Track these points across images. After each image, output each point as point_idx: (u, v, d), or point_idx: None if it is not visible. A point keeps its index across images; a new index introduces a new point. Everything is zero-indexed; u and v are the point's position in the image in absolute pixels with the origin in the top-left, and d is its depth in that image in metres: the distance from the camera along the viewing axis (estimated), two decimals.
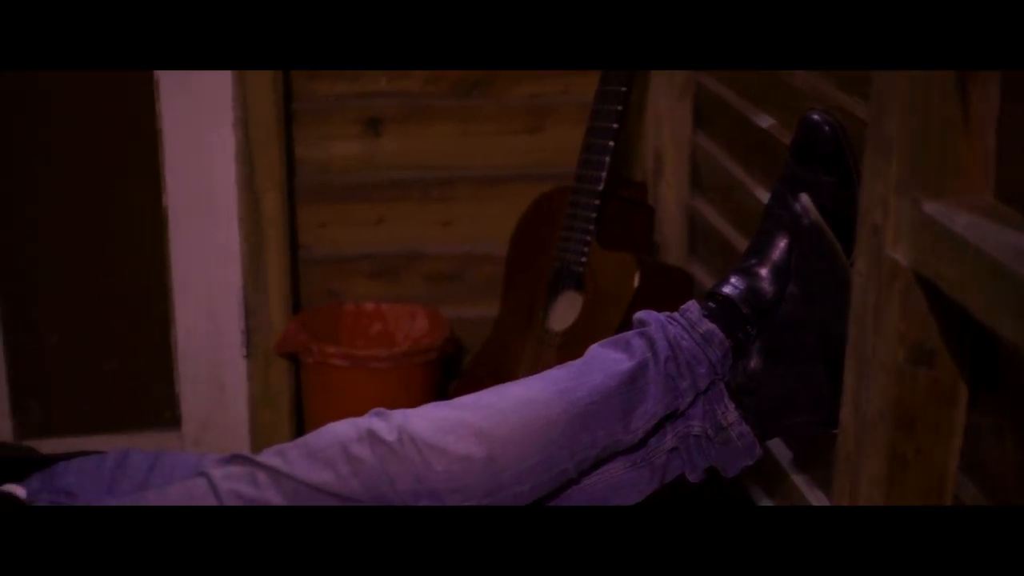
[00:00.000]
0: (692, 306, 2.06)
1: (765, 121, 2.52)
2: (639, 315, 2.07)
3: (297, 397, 3.37)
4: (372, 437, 1.84)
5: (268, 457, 1.85)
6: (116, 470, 2.06)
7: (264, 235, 3.24)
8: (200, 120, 3.22)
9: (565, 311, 2.88)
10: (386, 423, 1.86)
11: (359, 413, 1.93)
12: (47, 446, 2.22)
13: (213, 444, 3.38)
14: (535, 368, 2.77)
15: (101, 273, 3.38)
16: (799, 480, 2.26)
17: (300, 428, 3.37)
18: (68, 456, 2.11)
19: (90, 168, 3.31)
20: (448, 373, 3.35)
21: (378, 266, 3.39)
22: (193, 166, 3.25)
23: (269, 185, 3.21)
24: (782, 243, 2.04)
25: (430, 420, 1.88)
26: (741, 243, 2.59)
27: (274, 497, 1.81)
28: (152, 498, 1.84)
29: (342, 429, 1.87)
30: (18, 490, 1.96)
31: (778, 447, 2.33)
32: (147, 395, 3.46)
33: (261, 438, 3.36)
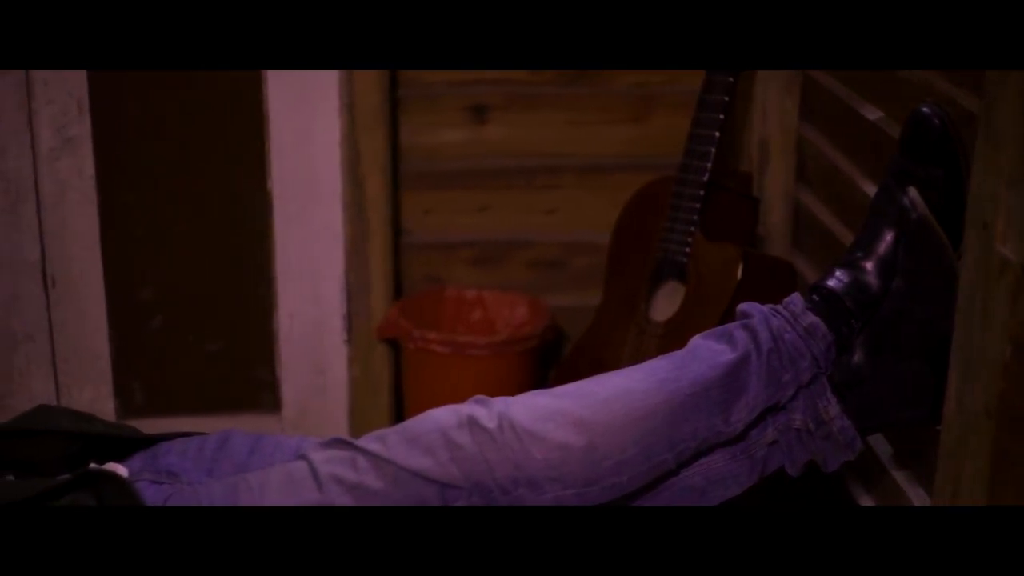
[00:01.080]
0: (796, 299, 2.05)
1: (873, 113, 2.49)
2: (742, 307, 2.05)
3: (397, 383, 3.38)
4: (472, 424, 1.85)
5: (368, 442, 1.86)
6: (217, 451, 2.08)
7: (367, 220, 3.25)
8: (306, 105, 3.23)
9: (667, 301, 2.87)
10: (487, 410, 1.87)
11: (458, 400, 1.93)
12: (149, 426, 2.24)
13: (312, 428, 3.39)
14: (636, 358, 2.76)
15: (206, 256, 3.40)
16: (899, 476, 2.24)
17: (399, 414, 3.38)
18: (170, 436, 2.13)
19: (197, 151, 3.33)
20: (548, 361, 3.35)
21: (480, 253, 3.39)
22: (298, 151, 3.27)
23: (373, 170, 3.22)
24: (888, 237, 2.02)
25: (530, 408, 1.88)
26: (845, 236, 2.57)
27: (373, 482, 1.82)
28: (252, 480, 1.85)
29: (443, 415, 1.87)
30: (120, 469, 1.98)
31: (879, 443, 2.31)
32: (248, 378, 3.48)
33: (360, 423, 3.37)
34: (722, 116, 2.81)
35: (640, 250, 2.93)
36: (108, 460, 2.06)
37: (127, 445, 2.12)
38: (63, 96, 3.23)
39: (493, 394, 1.93)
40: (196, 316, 3.44)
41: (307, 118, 3.23)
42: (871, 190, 2.11)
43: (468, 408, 1.88)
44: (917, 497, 2.16)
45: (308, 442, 2.02)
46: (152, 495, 1.87)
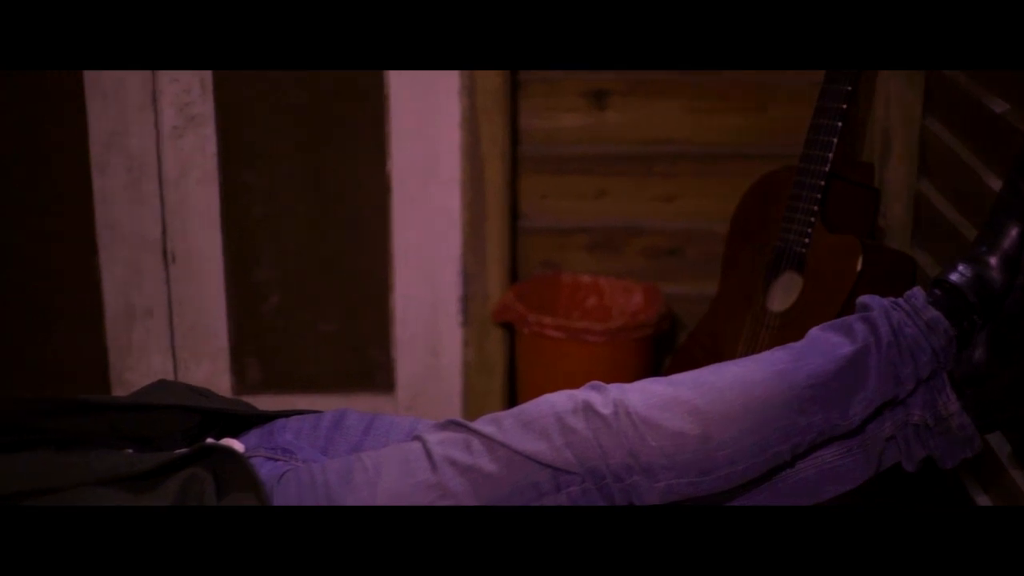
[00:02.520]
0: (917, 292, 2.02)
1: (999, 106, 2.45)
2: (862, 299, 2.03)
3: (510, 367, 3.39)
4: (588, 409, 1.84)
5: (483, 424, 1.86)
6: (332, 430, 2.09)
7: (485, 204, 3.25)
8: (427, 88, 3.24)
9: (785, 292, 2.84)
10: (602, 396, 1.86)
11: (572, 385, 1.92)
12: (263, 403, 2.26)
13: (425, 410, 3.41)
14: (753, 348, 2.74)
15: (324, 236, 3.43)
16: (1018, 475, 2.20)
17: (512, 398, 3.38)
18: (286, 414, 2.15)
19: (317, 132, 3.35)
20: (662, 349, 3.34)
21: (597, 239, 3.39)
22: (418, 133, 3.28)
23: (493, 154, 3.22)
24: (1014, 232, 1.99)
25: (646, 395, 1.87)
26: (968, 231, 2.53)
27: (487, 465, 1.82)
28: (367, 460, 1.86)
29: (558, 400, 1.87)
30: (236, 444, 1.99)
31: (998, 440, 2.28)
32: (363, 358, 3.50)
33: (473, 406, 3.38)
34: (845, 106, 2.78)
35: (758, 240, 2.91)
36: (224, 436, 2.08)
37: (243, 421, 2.14)
38: (187, 75, 3.26)
39: (607, 381, 1.93)
40: (313, 296, 3.46)
41: (428, 101, 3.24)
42: (996, 184, 2.07)
43: (583, 393, 1.88)
44: None
45: (423, 423, 2.02)
46: (267, 471, 1.89)
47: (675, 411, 1.86)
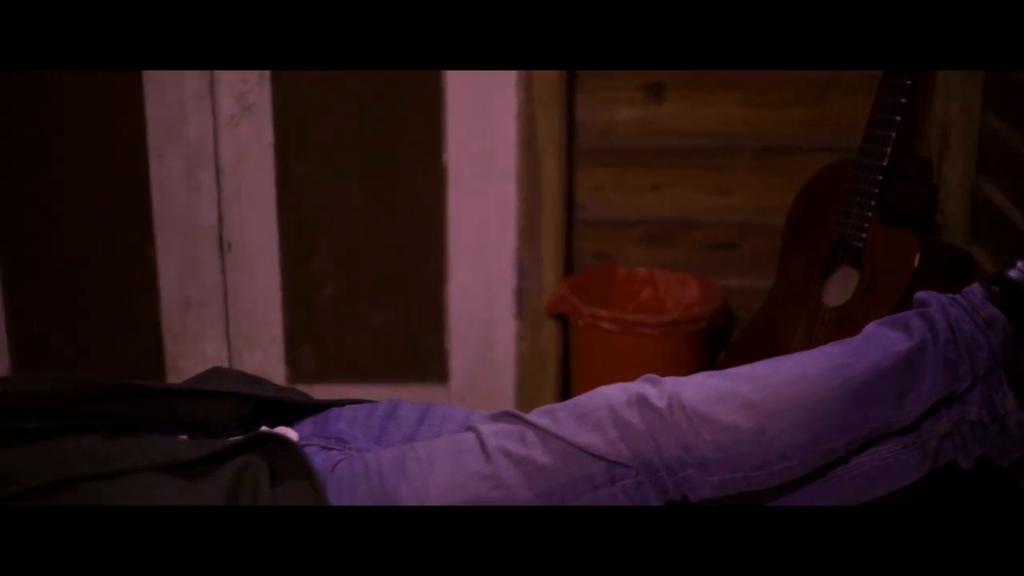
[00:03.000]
0: (975, 289, 2.00)
1: None
2: (920, 295, 2.02)
3: (564, 359, 3.39)
4: (642, 402, 1.84)
5: (537, 416, 1.86)
6: (386, 419, 2.09)
7: (541, 196, 3.25)
8: (483, 79, 3.24)
9: (841, 287, 2.83)
10: (657, 389, 1.86)
11: (626, 378, 1.92)
12: (317, 392, 2.26)
13: (479, 401, 3.41)
14: (808, 343, 2.73)
15: (379, 226, 3.43)
16: None
17: (566, 390, 3.38)
18: (340, 403, 2.15)
19: (374, 122, 3.36)
20: (717, 343, 3.33)
21: (652, 232, 3.38)
22: (474, 124, 3.28)
23: (549, 146, 3.22)
24: None
25: (701, 389, 1.87)
26: None
27: (541, 456, 1.82)
28: (421, 450, 1.86)
29: (613, 393, 1.87)
30: (291, 433, 2.00)
31: None
32: (417, 349, 3.50)
33: (527, 397, 3.38)
34: (903, 100, 2.76)
35: (815, 234, 2.90)
36: (279, 424, 2.09)
37: (297, 410, 2.14)
38: None
39: (661, 374, 1.92)
40: (368, 286, 3.47)
41: (484, 92, 3.24)
42: None
43: (638, 386, 1.87)
44: None
45: (477, 414, 2.02)
46: (321, 460, 1.89)
47: (730, 405, 1.85)
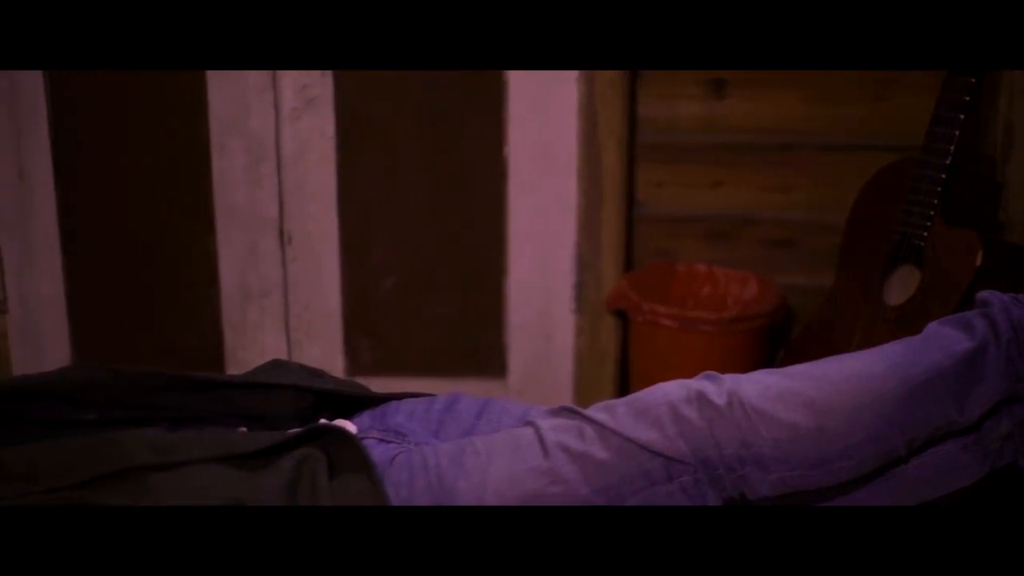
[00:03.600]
0: None
1: None
2: (982, 295, 2.00)
3: (623, 354, 3.38)
4: (701, 399, 1.83)
5: (596, 412, 1.85)
6: (444, 413, 2.09)
7: (602, 191, 3.25)
8: (545, 73, 3.24)
9: (902, 285, 2.81)
10: (716, 386, 1.85)
11: (685, 374, 1.91)
12: (375, 385, 2.27)
13: (536, 395, 3.41)
14: (868, 342, 2.71)
15: (439, 219, 3.44)
16: None
17: (624, 386, 3.38)
18: (399, 396, 2.16)
19: (434, 115, 3.36)
20: (776, 340, 3.31)
21: (712, 228, 3.37)
22: (535, 118, 3.28)
23: (610, 141, 3.22)
24: None
25: (760, 386, 1.86)
26: None
27: (599, 452, 1.81)
28: (479, 444, 1.86)
29: (672, 389, 1.86)
30: (349, 425, 2.00)
31: None
32: (475, 343, 3.51)
33: (584, 393, 3.38)
34: (967, 98, 2.74)
35: (876, 232, 2.88)
36: (337, 416, 2.09)
37: (356, 402, 2.15)
38: None
39: (719, 371, 1.91)
40: (427, 278, 3.47)
41: (546, 86, 3.24)
42: None
43: (698, 383, 1.86)
44: None
45: (535, 409, 2.02)
46: (379, 453, 1.89)
47: (789, 403, 1.84)
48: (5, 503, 1.76)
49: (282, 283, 3.48)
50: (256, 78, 3.31)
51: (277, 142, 3.37)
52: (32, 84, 3.41)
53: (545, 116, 3.26)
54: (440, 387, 2.44)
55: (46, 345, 3.62)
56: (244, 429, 2.00)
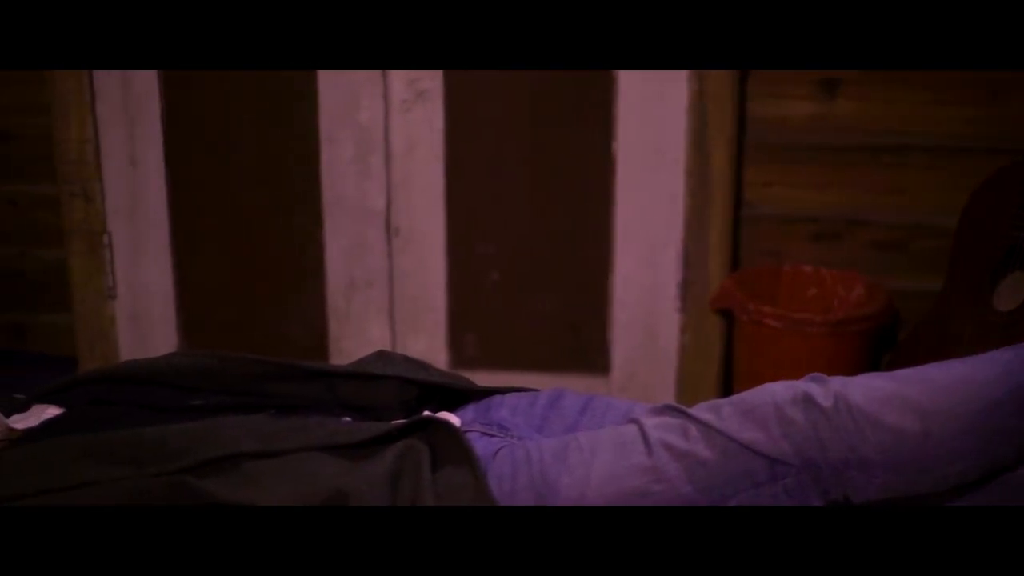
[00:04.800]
0: None
1: None
2: None
3: (727, 354, 3.37)
4: (808, 401, 1.81)
5: (701, 411, 1.85)
6: (548, 408, 2.09)
7: (710, 189, 3.23)
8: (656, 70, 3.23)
9: (1013, 291, 2.78)
10: (823, 388, 1.83)
11: (789, 375, 1.90)
12: (478, 379, 2.27)
13: (639, 393, 3.40)
14: (978, 347, 2.68)
15: (546, 214, 3.44)
16: None
17: (727, 385, 3.36)
18: (503, 390, 2.16)
19: (545, 110, 3.36)
20: (882, 344, 3.28)
21: (820, 229, 3.34)
22: (645, 115, 3.27)
23: (719, 140, 3.20)
24: None
25: (867, 390, 1.84)
26: None
27: (703, 451, 1.81)
28: (583, 440, 1.86)
29: (778, 390, 1.85)
30: (453, 418, 2.00)
31: None
32: (579, 338, 3.50)
33: (687, 391, 3.37)
34: None
35: (987, 236, 2.85)
36: (441, 409, 2.10)
37: (460, 396, 2.15)
38: None
39: (824, 373, 1.90)
40: (533, 273, 3.47)
41: (656, 83, 3.23)
42: None
43: (804, 385, 1.85)
44: None
45: (639, 407, 2.02)
46: (483, 447, 1.90)
47: (897, 407, 1.83)
48: (109, 486, 1.78)
49: (388, 275, 3.49)
50: (367, 71, 3.33)
51: (386, 134, 3.38)
52: (145, 72, 3.45)
53: (655, 113, 3.25)
54: (543, 383, 2.45)
55: (153, 331, 3.67)
56: (348, 419, 2.01)
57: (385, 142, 3.39)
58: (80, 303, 3.65)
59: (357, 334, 3.55)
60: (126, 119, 3.51)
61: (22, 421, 2.08)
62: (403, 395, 2.10)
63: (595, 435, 1.87)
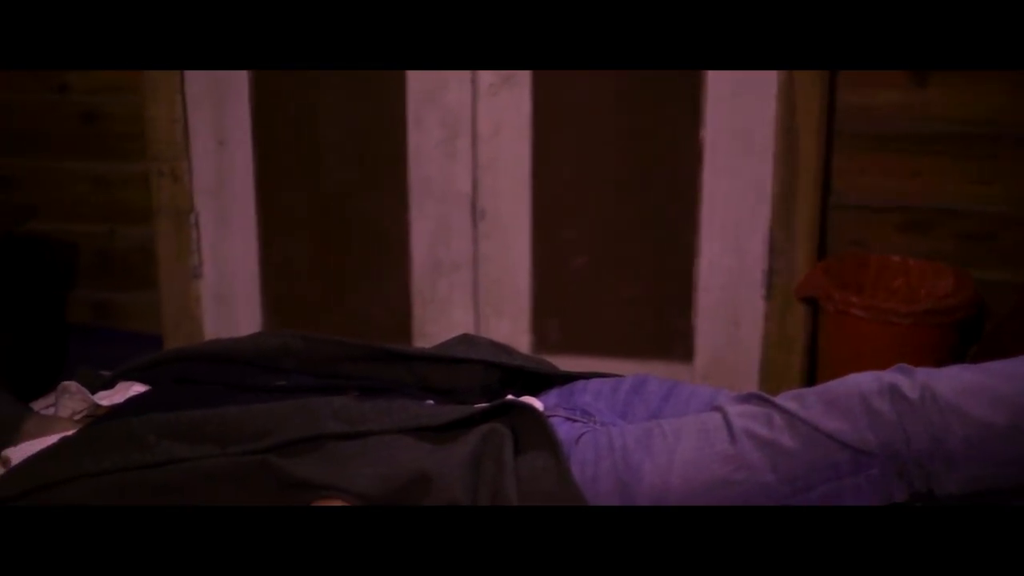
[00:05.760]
0: None
1: None
2: None
3: (811, 343, 3.34)
4: (894, 392, 1.80)
5: (786, 400, 1.84)
6: (632, 395, 2.09)
7: (797, 177, 3.21)
8: None
9: None
10: (909, 379, 1.82)
11: (874, 366, 1.89)
12: (561, 363, 2.27)
13: (722, 380, 3.39)
14: None
15: (631, 199, 3.43)
16: None
17: (811, 375, 3.34)
18: (586, 375, 2.16)
19: (631, 94, 3.35)
20: (969, 336, 3.25)
21: (908, 219, 3.31)
22: (734, 102, 3.25)
23: (808, 127, 3.18)
24: None
25: (954, 382, 1.82)
26: None
27: (787, 441, 1.80)
28: (667, 427, 1.85)
29: (864, 380, 1.83)
30: (536, 403, 2.00)
31: None
32: (663, 325, 3.49)
33: (771, 380, 3.35)
34: None
35: None
36: (524, 393, 2.10)
37: (543, 380, 2.15)
38: None
39: (910, 364, 1.88)
40: (617, 259, 3.46)
41: (745, 70, 3.21)
42: None
43: (890, 375, 1.83)
44: None
45: (723, 394, 2.01)
46: (566, 431, 1.90)
47: (984, 399, 1.81)
48: (193, 464, 1.79)
49: (472, 258, 3.49)
50: None
51: (473, 117, 3.38)
52: None
53: (743, 100, 3.24)
54: (626, 368, 2.44)
55: (237, 311, 3.69)
56: (431, 402, 2.01)
57: (472, 125, 3.39)
58: (166, 282, 3.68)
59: (441, 317, 3.56)
60: (214, 99, 3.54)
61: (107, 397, 2.10)
62: (486, 379, 2.11)
63: (679, 422, 1.87)
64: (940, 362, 2.22)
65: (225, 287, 3.68)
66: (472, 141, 3.40)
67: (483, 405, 1.89)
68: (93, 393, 2.11)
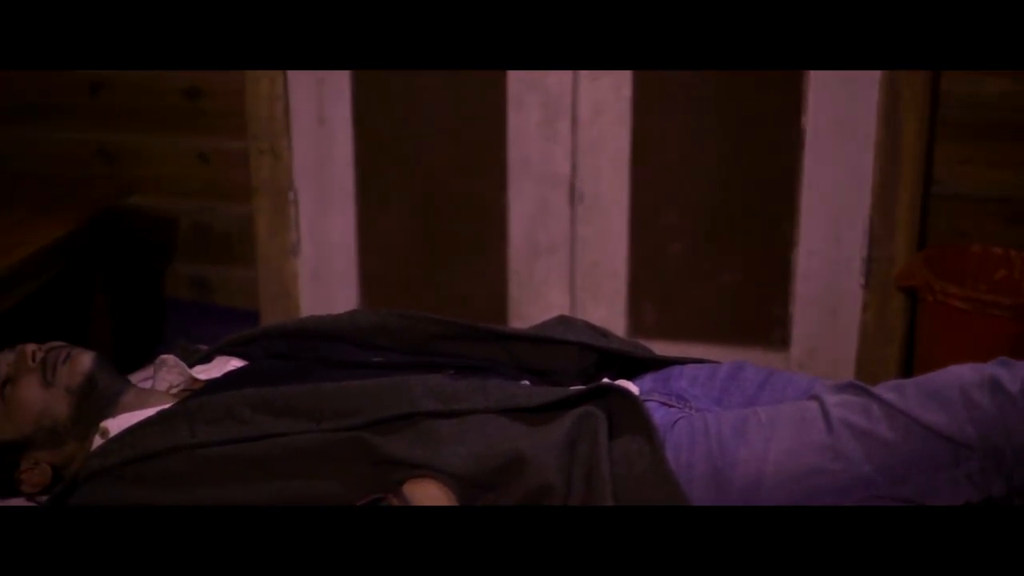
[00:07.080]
0: None
1: None
2: None
3: (908, 333, 3.31)
4: (994, 385, 1.78)
5: (884, 391, 1.82)
6: (728, 381, 2.08)
7: (899, 166, 3.18)
8: None
9: None
10: (1010, 373, 1.79)
11: (973, 358, 1.86)
12: (656, 348, 2.26)
13: (818, 369, 3.37)
14: None
15: (731, 185, 3.41)
16: None
17: (908, 366, 3.31)
18: (683, 360, 2.15)
19: (732, 82, 3.33)
20: None
21: (1012, 210, 3.27)
22: (836, 89, 3.23)
23: (911, 116, 3.15)
24: None
25: None
26: None
27: (885, 432, 1.78)
28: (763, 414, 1.84)
29: (964, 373, 1.81)
30: (632, 387, 2.00)
31: None
32: (760, 312, 3.47)
33: (867, 369, 3.32)
34: None
35: None
36: (620, 377, 2.09)
37: (639, 364, 2.15)
38: None
39: (1011, 358, 1.86)
40: (715, 245, 3.45)
41: None
42: None
43: (991, 368, 1.81)
44: None
45: (820, 383, 2.00)
46: (661, 416, 1.89)
47: None
48: (289, 439, 1.81)
49: (570, 241, 3.49)
50: None
51: (574, 100, 3.38)
52: None
53: (845, 88, 3.21)
54: (721, 355, 2.43)
55: (334, 288, 3.71)
56: (527, 383, 2.01)
57: (572, 108, 3.39)
58: (265, 259, 3.70)
59: (537, 299, 3.56)
60: (315, 78, 3.55)
61: (205, 372, 2.12)
62: (582, 361, 2.11)
63: (775, 410, 1.86)
64: None
65: (323, 265, 3.70)
66: (572, 124, 3.40)
67: (579, 388, 1.89)
68: (190, 367, 2.14)
